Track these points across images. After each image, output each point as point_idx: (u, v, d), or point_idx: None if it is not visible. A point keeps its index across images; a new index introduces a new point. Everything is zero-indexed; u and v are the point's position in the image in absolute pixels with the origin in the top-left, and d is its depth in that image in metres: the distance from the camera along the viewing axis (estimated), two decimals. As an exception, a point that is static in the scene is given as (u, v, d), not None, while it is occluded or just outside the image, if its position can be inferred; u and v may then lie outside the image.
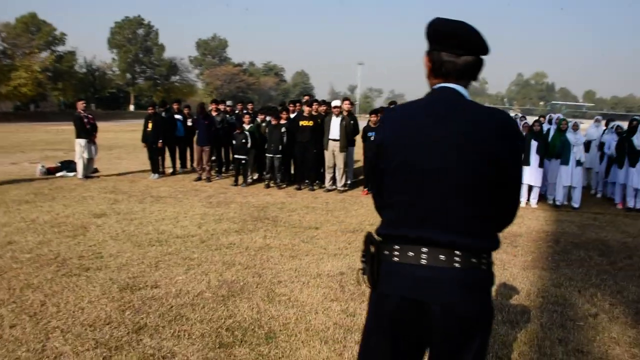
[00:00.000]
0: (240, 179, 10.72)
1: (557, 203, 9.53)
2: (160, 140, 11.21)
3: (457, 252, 1.71)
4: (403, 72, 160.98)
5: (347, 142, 10.33)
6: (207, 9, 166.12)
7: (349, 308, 4.26)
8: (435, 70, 1.83)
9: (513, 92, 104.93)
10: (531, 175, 9.34)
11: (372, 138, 10.03)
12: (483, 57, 1.79)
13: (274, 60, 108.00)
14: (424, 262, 1.72)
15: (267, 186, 10.57)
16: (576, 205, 9.40)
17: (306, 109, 10.48)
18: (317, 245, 6.29)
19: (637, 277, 5.47)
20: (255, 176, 11.32)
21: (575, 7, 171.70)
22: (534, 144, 9.27)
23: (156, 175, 11.25)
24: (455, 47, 1.77)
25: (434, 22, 1.82)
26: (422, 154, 1.74)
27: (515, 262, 5.81)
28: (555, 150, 9.36)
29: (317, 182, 10.75)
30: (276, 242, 6.32)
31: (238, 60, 76.38)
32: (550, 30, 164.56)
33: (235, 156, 10.67)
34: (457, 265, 1.70)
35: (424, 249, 1.72)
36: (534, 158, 9.27)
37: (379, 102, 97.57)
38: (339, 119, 10.23)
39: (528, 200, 9.56)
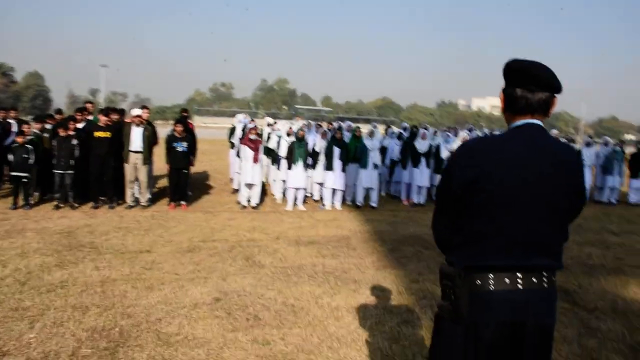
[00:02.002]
0: (20, 201, 9.03)
1: (358, 204, 10.44)
2: None
3: (545, 274, 1.88)
4: (148, 76, 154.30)
5: (149, 153, 9.60)
6: None
7: (257, 337, 4.00)
8: (509, 105, 1.92)
9: (258, 96, 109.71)
10: (335, 179, 10.05)
11: (186, 147, 9.52)
12: (556, 94, 1.92)
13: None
14: (520, 286, 1.84)
15: (57, 207, 9.11)
16: (374, 204, 10.45)
17: (102, 118, 9.37)
18: (164, 271, 5.72)
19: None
20: (36, 196, 9.65)
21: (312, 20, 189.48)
22: (336, 151, 9.97)
23: None
24: (528, 83, 1.86)
25: (509, 62, 1.91)
26: (523, 187, 1.84)
27: (366, 263, 6.21)
28: (354, 155, 10.22)
29: (114, 198, 9.71)
30: (116, 274, 5.54)
31: (-50, 56, 63.64)
32: (290, 37, 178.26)
33: (14, 174, 8.92)
34: (545, 285, 1.88)
35: (519, 274, 1.84)
36: (337, 163, 9.98)
37: (124, 107, 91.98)
38: (141, 129, 9.41)
39: (332, 203, 10.24)
